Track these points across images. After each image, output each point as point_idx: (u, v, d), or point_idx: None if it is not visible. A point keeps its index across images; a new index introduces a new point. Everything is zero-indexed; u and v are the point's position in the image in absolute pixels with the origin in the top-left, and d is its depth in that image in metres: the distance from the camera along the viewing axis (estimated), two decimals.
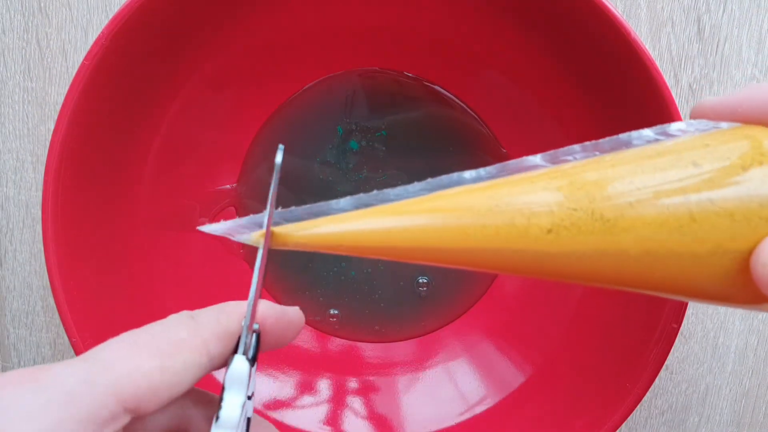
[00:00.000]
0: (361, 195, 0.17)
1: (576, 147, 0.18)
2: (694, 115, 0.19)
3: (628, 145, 0.18)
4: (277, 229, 0.17)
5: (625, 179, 0.16)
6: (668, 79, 0.35)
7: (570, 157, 0.18)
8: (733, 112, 0.18)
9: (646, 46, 0.27)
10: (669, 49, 0.35)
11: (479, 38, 0.32)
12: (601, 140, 0.18)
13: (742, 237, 0.16)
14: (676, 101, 0.30)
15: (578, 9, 0.28)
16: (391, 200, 0.17)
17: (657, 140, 0.18)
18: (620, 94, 0.29)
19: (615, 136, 0.18)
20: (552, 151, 0.18)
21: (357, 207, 0.17)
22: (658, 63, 0.29)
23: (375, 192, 0.17)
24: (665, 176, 0.16)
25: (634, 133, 0.18)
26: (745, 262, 0.16)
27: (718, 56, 0.35)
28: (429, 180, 0.17)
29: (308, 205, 0.17)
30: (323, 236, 0.17)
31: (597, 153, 0.18)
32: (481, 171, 0.17)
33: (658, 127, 0.18)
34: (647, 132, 0.18)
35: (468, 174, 0.17)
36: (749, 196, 0.16)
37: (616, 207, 0.16)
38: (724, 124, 0.18)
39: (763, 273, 0.15)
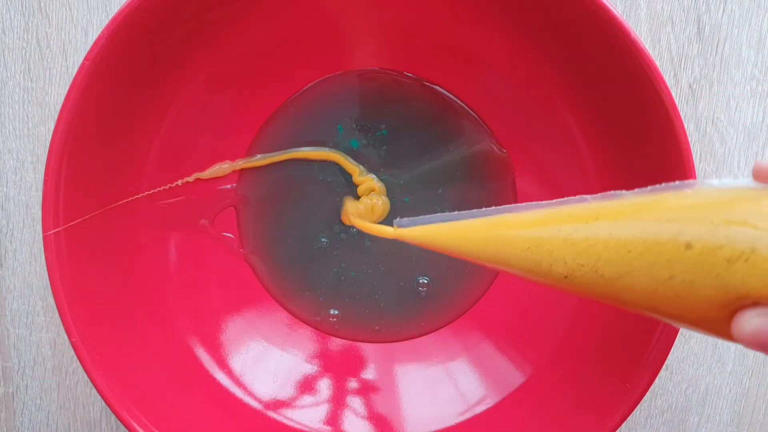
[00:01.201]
0: (455, 212, 0.24)
1: (620, 192, 0.20)
2: (756, 176, 0.18)
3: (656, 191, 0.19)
4: (400, 231, 0.25)
5: (627, 245, 0.19)
6: (668, 79, 0.35)
7: (610, 201, 0.20)
8: None
9: (646, 46, 0.27)
10: (669, 49, 0.35)
11: (479, 38, 0.32)
12: (639, 190, 0.20)
13: (724, 309, 0.18)
14: (676, 101, 0.30)
15: (578, 9, 0.28)
16: (471, 218, 0.23)
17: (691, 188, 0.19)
18: (620, 94, 0.29)
19: (651, 188, 0.20)
20: (601, 194, 0.21)
21: (447, 220, 0.24)
22: (658, 63, 0.29)
23: (458, 212, 0.24)
24: (660, 252, 0.18)
25: (661, 187, 0.19)
26: (727, 322, 0.18)
27: (718, 56, 0.35)
28: (497, 207, 0.23)
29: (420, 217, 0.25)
30: (417, 236, 0.24)
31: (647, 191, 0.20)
32: (532, 204, 0.22)
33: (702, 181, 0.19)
34: (685, 184, 0.19)
35: (522, 206, 0.22)
36: (726, 290, 0.17)
37: (614, 271, 0.19)
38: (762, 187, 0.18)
39: (741, 338, 0.17)
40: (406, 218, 0.25)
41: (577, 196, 0.21)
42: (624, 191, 0.20)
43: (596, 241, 0.19)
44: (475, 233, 0.23)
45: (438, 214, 0.24)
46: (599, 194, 0.21)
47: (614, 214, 0.19)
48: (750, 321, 0.16)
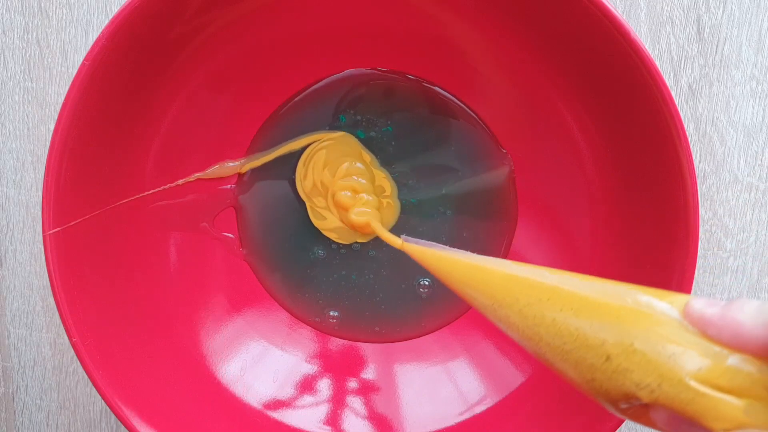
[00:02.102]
0: (452, 248, 0.26)
1: (577, 279, 0.22)
2: (685, 314, 0.19)
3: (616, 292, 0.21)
4: (409, 246, 0.28)
5: (563, 337, 0.21)
6: (668, 79, 0.35)
7: (566, 285, 0.22)
8: (733, 337, 0.18)
9: (646, 46, 0.27)
10: (669, 49, 0.35)
11: (478, 39, 0.32)
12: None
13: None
14: (676, 101, 0.30)
15: (578, 9, 0.28)
16: (463, 257, 0.25)
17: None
18: (620, 94, 0.29)
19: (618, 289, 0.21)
20: (560, 273, 0.22)
21: (444, 251, 0.26)
22: (657, 63, 0.30)
23: (455, 249, 0.26)
24: (585, 355, 0.20)
25: (611, 287, 0.21)
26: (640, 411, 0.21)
27: (717, 56, 0.35)
28: (488, 257, 0.25)
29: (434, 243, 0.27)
30: (417, 254, 0.27)
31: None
32: (509, 263, 0.24)
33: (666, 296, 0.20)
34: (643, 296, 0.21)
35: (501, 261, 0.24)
36: (635, 401, 0.20)
37: (551, 355, 0.21)
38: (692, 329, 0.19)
39: (659, 428, 0.20)
40: (412, 237, 0.28)
41: (544, 267, 0.23)
42: (580, 278, 0.22)
43: (541, 323, 0.21)
44: (458, 273, 0.25)
45: (438, 244, 0.26)
46: (560, 272, 0.22)
47: (562, 300, 0.21)
48: (661, 416, 0.19)
